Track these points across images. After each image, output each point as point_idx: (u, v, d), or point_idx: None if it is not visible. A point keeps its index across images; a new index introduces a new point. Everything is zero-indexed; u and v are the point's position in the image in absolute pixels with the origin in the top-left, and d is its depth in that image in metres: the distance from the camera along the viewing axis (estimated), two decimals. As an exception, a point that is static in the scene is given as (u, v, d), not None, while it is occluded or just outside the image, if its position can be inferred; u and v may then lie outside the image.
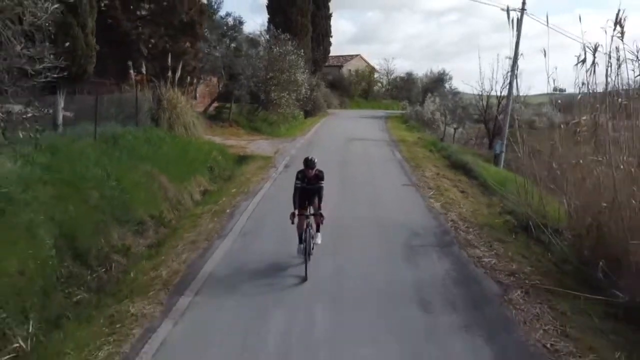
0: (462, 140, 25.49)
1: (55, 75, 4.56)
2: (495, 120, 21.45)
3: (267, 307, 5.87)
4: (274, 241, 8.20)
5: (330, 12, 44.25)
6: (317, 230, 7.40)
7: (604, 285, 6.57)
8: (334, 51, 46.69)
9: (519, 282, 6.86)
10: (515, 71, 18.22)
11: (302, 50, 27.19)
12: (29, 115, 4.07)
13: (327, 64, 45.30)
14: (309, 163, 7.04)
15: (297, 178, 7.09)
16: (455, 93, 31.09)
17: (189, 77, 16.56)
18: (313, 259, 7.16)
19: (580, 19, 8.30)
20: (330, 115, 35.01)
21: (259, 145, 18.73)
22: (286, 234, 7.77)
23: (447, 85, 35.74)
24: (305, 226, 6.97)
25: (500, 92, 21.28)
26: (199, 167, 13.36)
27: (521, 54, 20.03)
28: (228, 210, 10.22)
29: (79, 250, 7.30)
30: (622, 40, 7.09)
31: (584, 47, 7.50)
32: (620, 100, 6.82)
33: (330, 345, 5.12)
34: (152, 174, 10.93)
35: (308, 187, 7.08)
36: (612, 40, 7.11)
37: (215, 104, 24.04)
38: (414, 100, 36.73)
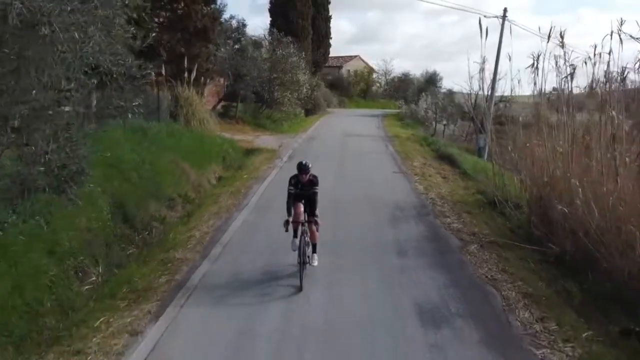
0: (454, 136, 27.28)
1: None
2: (482, 117, 23.24)
3: (279, 253, 7.68)
4: (282, 213, 10.01)
5: (330, 14, 46.02)
6: (314, 250, 7.04)
7: (543, 241, 8.41)
8: (334, 52, 48.49)
9: (477, 239, 8.72)
10: (498, 74, 20.00)
11: (303, 53, 28.99)
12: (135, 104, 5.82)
13: (326, 64, 47.08)
14: (302, 167, 6.70)
15: (290, 183, 6.78)
16: (452, 92, 32.86)
17: (202, 78, 18.38)
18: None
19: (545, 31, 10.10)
20: (329, 114, 36.82)
21: (265, 140, 20.54)
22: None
23: (441, 85, 37.48)
24: (301, 233, 6.71)
25: (487, 92, 23.05)
26: (213, 157, 15.20)
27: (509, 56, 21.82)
28: (242, 191, 12.06)
29: (127, 217, 9.15)
30: (563, 48, 8.92)
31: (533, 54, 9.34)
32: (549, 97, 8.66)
33: (331, 274, 6.96)
34: (176, 161, 12.77)
35: (301, 193, 6.81)
36: (563, 47, 8.88)
37: (222, 103, 25.84)
38: (410, 99, 38.49)
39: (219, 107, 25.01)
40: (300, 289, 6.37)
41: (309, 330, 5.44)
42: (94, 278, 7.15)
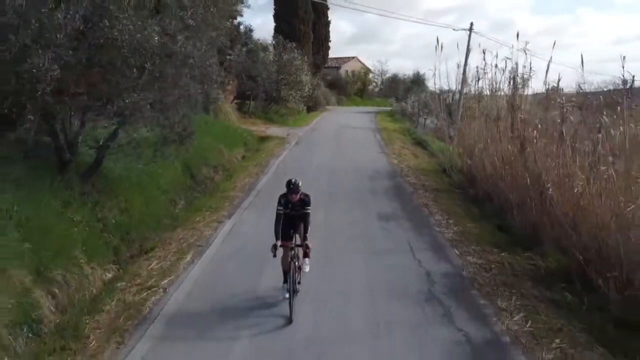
0: (435, 128, 31.59)
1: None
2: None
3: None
4: (294, 175, 14.44)
5: (329, 20, 50.39)
6: (306, 255, 6.43)
7: (467, 189, 12.83)
8: (333, 53, 52.75)
9: (424, 187, 13.16)
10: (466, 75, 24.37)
11: (306, 57, 33.41)
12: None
13: (326, 65, 51.43)
14: (292, 187, 6.09)
15: (279, 203, 6.16)
16: (443, 92, 37.02)
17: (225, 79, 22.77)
18: (315, 173, 13.42)
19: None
20: (329, 111, 41.21)
21: (274, 131, 24.93)
22: (302, 172, 14.00)
23: (426, 85, 41.69)
24: (290, 259, 6.03)
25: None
26: (237, 141, 19.62)
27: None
28: (263, 164, 16.48)
29: (191, 175, 13.57)
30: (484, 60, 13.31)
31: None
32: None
33: (329, 202, 11.36)
34: (213, 143, 17.16)
35: (292, 214, 6.20)
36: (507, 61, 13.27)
37: (236, 100, 30.23)
38: (401, 97, 42.90)
39: (233, 103, 29.41)
40: (290, 320, 5.77)
41: (316, 226, 9.86)
42: (181, 205, 11.60)
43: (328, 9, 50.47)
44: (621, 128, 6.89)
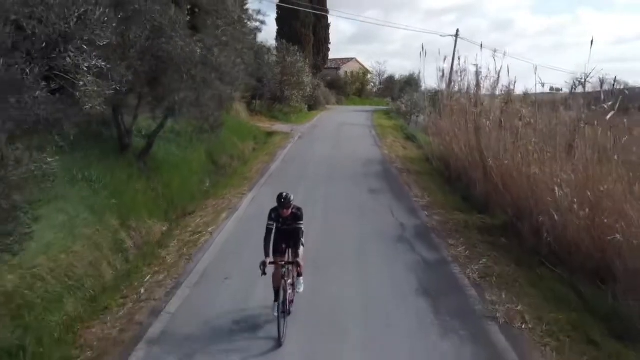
0: (425, 125, 34.19)
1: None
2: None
3: (302, 177, 14.66)
4: (298, 164, 17.07)
5: (329, 23, 53.03)
6: (299, 275, 6.18)
7: (444, 172, 15.45)
8: (333, 54, 55.40)
9: (409, 171, 15.79)
10: (455, 76, 26.99)
11: (307, 59, 36.01)
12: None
13: (326, 66, 54.04)
14: (283, 201, 5.71)
15: (269, 217, 5.81)
16: (437, 92, 39.50)
17: (236, 81, 25.36)
18: (317, 161, 16.08)
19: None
20: (328, 110, 43.79)
21: (279, 127, 27.53)
22: (306, 160, 16.64)
23: (419, 85, 44.18)
24: (281, 277, 5.68)
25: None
26: (248, 136, 22.23)
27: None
28: (273, 153, 19.09)
29: (213, 161, 16.19)
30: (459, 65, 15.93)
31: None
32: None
33: (328, 182, 13.96)
34: (229, 136, 19.77)
35: (284, 229, 5.89)
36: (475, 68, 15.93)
37: (244, 100, 32.79)
38: (396, 97, 45.51)
39: (242, 102, 31.99)
40: (279, 343, 5.42)
41: (319, 197, 12.49)
42: (208, 184, 14.22)
43: (328, 12, 53.33)
44: (541, 119, 9.53)
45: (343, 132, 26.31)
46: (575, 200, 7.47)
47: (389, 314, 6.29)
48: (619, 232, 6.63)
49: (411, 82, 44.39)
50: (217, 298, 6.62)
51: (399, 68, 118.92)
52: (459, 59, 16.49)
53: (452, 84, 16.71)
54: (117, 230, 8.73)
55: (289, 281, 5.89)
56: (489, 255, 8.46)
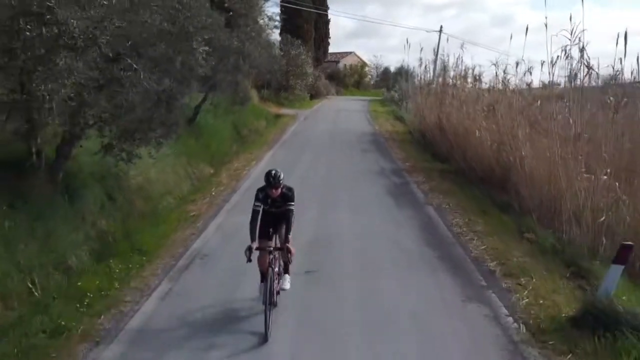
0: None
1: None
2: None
3: (301, 151, 18.67)
4: (304, 135, 21.08)
5: (329, 18, 56.90)
6: (286, 271, 5.58)
7: (424, 143, 19.50)
8: (333, 47, 59.30)
9: (394, 140, 19.84)
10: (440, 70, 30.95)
11: (310, 53, 39.96)
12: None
13: (326, 59, 57.95)
14: (272, 180, 5.15)
15: (256, 198, 5.27)
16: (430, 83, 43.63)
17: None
18: (320, 134, 20.16)
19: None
20: (328, 99, 47.72)
21: (286, 111, 31.52)
22: (311, 134, 20.70)
23: (414, 75, 48.18)
24: (268, 264, 5.14)
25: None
26: (261, 116, 26.24)
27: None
28: (283, 129, 23.12)
29: (237, 132, 20.22)
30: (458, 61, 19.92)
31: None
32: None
33: (329, 150, 17.99)
34: (246, 115, 23.81)
35: (272, 211, 5.34)
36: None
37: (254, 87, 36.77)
38: (391, 87, 49.49)
39: (253, 89, 35.95)
40: (265, 338, 4.86)
41: (322, 155, 16.53)
42: (235, 147, 18.26)
43: (328, 8, 57.25)
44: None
45: (342, 115, 30.33)
46: (489, 140, 11.52)
47: (369, 203, 10.38)
48: (514, 160, 10.62)
49: (401, 73, 48.29)
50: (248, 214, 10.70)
51: (398, 62, 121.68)
52: (435, 53, 20.39)
53: (428, 72, 20.71)
54: (185, 166, 12.78)
55: (276, 269, 5.28)
56: (437, 181, 12.51)
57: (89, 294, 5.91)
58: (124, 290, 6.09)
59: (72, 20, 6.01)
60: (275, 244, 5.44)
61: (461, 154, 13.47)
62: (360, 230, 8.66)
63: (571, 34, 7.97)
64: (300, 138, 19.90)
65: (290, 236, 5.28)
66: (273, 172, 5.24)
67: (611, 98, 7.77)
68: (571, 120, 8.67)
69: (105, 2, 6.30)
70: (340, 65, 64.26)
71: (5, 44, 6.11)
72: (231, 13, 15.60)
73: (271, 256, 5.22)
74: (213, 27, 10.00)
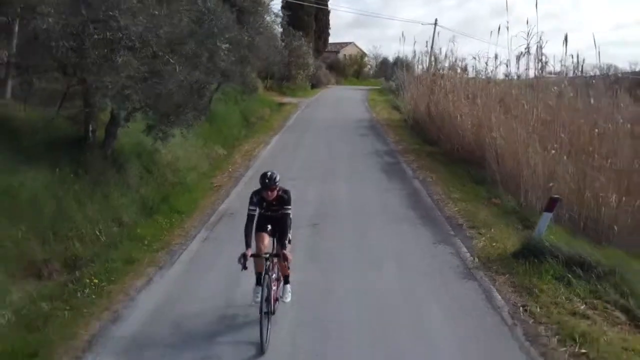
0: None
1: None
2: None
3: (305, 135, 20.40)
4: (307, 121, 22.79)
5: (329, 10, 58.27)
6: (286, 281, 5.31)
7: (415, 127, 21.24)
8: (333, 38, 60.75)
9: (389, 126, 21.56)
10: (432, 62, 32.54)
11: (310, 44, 41.50)
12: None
13: (326, 50, 59.41)
14: (267, 181, 4.85)
15: (251, 202, 4.98)
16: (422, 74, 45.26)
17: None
18: (321, 120, 21.96)
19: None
20: (329, 88, 49.33)
21: (288, 99, 33.16)
22: (312, 120, 22.44)
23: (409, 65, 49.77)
24: (264, 271, 4.84)
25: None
26: (265, 104, 27.91)
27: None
28: (286, 116, 24.81)
29: (245, 118, 21.95)
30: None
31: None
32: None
33: (329, 130, 19.73)
34: (252, 103, 25.50)
35: (268, 215, 5.10)
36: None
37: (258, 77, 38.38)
38: (389, 77, 51.06)
39: (257, 79, 37.58)
40: (261, 350, 4.58)
41: (323, 137, 18.27)
42: (244, 133, 19.99)
43: (328, 0, 58.64)
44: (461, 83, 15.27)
45: (341, 103, 32.02)
46: (470, 124, 13.26)
47: (363, 177, 12.13)
48: (488, 141, 12.35)
49: (397, 63, 49.90)
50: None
51: (397, 52, 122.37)
52: (427, 45, 22.00)
53: (420, 64, 22.35)
54: (203, 147, 14.52)
55: (274, 275, 5.00)
56: (425, 160, 14.27)
57: (146, 238, 7.69)
58: (172, 237, 7.88)
59: (131, 27, 7.74)
60: (272, 250, 5.12)
61: (447, 138, 15.20)
62: (356, 196, 10.44)
63: (527, 35, 9.61)
64: (303, 124, 21.60)
65: (287, 242, 4.95)
66: (268, 173, 4.90)
67: (555, 88, 9.47)
68: (527, 106, 10.39)
69: (155, 12, 7.99)
70: (340, 55, 65.66)
71: (77, 45, 7.83)
72: (240, 10, 17.21)
73: (268, 263, 4.85)
74: (231, 27, 11.57)
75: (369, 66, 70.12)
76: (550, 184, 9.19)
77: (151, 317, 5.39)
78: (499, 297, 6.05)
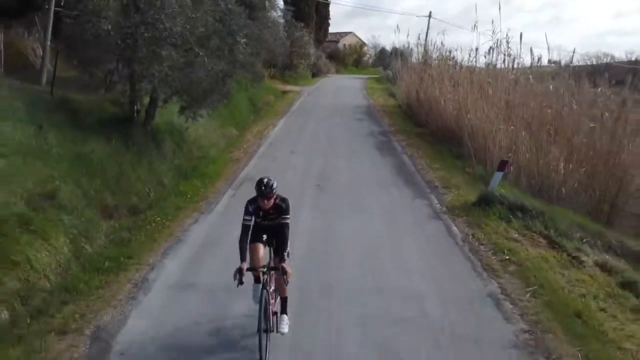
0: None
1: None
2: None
3: (308, 119, 22.49)
4: (309, 107, 24.86)
5: (329, 1, 59.98)
6: (283, 310, 4.90)
7: (408, 111, 23.32)
8: (333, 27, 62.51)
9: (384, 111, 23.63)
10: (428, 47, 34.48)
11: (311, 34, 43.39)
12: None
13: (326, 39, 61.21)
14: (264, 189, 4.51)
15: (246, 211, 4.67)
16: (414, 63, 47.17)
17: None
18: (322, 106, 24.08)
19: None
20: (329, 77, 51.25)
21: (291, 87, 35.17)
22: (314, 105, 24.53)
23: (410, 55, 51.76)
24: (262, 286, 4.51)
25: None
26: (270, 92, 29.95)
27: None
28: (290, 102, 26.84)
29: (252, 104, 24.01)
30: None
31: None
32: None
33: (330, 116, 21.83)
34: (258, 90, 27.53)
35: (264, 224, 4.75)
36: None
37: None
38: (387, 66, 52.97)
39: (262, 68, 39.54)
40: None
41: (324, 121, 20.37)
42: (252, 117, 22.08)
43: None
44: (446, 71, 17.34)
45: (341, 91, 34.02)
46: (451, 106, 15.34)
47: (359, 153, 14.25)
48: (467, 121, 14.43)
49: (395, 52, 51.85)
50: (277, 152, 14.54)
51: (396, 41, 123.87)
52: (418, 36, 23.93)
53: (413, 54, 24.36)
54: (219, 128, 16.62)
55: (272, 289, 4.72)
56: (413, 140, 16.38)
57: (188, 194, 9.84)
58: (207, 193, 10.04)
59: (172, 27, 9.80)
60: (270, 263, 4.77)
61: (433, 120, 17.29)
62: (353, 167, 12.56)
63: (492, 32, 11.68)
64: (306, 109, 23.65)
65: (285, 255, 4.59)
66: (265, 180, 4.54)
67: (513, 75, 11.56)
68: (491, 91, 12.49)
69: (193, 16, 10.05)
70: (340, 45, 67.42)
71: (132, 42, 9.89)
72: (251, 7, 19.20)
73: (265, 276, 4.54)
74: (247, 24, 13.59)
75: (368, 55, 71.86)
76: (509, 154, 11.29)
77: (202, 240, 7.55)
78: (456, 229, 8.20)
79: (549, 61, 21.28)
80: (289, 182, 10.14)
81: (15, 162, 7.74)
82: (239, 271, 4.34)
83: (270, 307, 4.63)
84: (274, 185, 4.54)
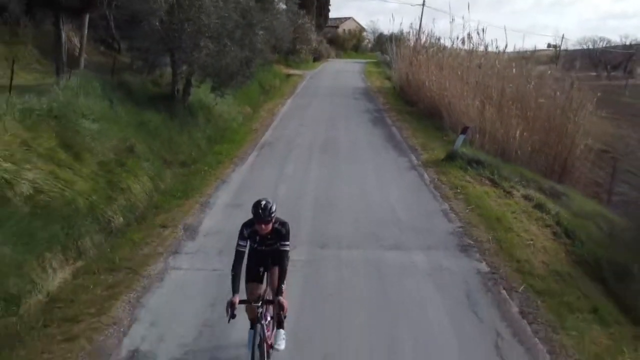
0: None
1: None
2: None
3: (312, 98, 25.23)
4: (312, 88, 27.58)
5: (329, -11, 62.15)
6: (279, 325, 4.58)
7: (401, 93, 26.06)
8: (332, 11, 64.88)
9: (380, 92, 26.38)
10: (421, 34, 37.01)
11: (312, 21, 45.84)
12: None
13: (327, 25, 63.53)
14: (261, 212, 4.05)
15: (240, 236, 4.23)
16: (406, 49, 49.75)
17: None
18: (324, 87, 26.81)
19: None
20: (329, 61, 53.76)
21: (294, 71, 37.77)
22: (317, 87, 27.28)
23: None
24: (257, 319, 4.14)
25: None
26: (276, 75, 32.63)
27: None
28: (294, 85, 29.55)
29: (261, 86, 26.76)
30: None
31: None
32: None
33: (330, 96, 24.58)
34: (265, 74, 30.20)
35: (261, 250, 4.35)
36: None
37: (265, 52, 42.92)
38: (385, 51, 55.44)
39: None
40: None
41: (324, 100, 23.15)
42: (262, 98, 24.83)
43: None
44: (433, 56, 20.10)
45: (341, 75, 36.70)
46: (434, 85, 18.13)
47: (357, 125, 17.07)
48: (448, 99, 17.19)
49: (391, 38, 54.32)
50: (288, 124, 17.35)
51: (396, 25, 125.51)
52: (412, 24, 26.43)
53: (407, 40, 27.00)
54: (236, 106, 19.40)
55: (266, 322, 4.24)
56: (403, 116, 19.18)
57: (222, 153, 12.71)
58: (237, 153, 12.93)
59: (209, 23, 12.56)
60: (266, 293, 4.38)
61: (420, 99, 20.08)
62: (350, 136, 15.40)
63: (464, 27, 14.39)
64: (310, 91, 26.39)
65: (284, 286, 4.20)
66: (263, 202, 4.07)
67: (478, 60, 14.34)
68: (466, 74, 15.28)
69: (225, 15, 12.80)
70: (340, 30, 69.73)
71: (176, 35, 12.65)
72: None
73: (260, 310, 4.13)
74: (264, 19, 16.29)
75: (367, 40, 74.18)
76: (475, 124, 14.11)
77: (240, 181, 10.44)
78: (427, 176, 11.09)
79: (548, 45, 23.42)
80: (299, 143, 13.04)
81: (102, 125, 10.58)
82: (230, 305, 3.95)
83: (267, 340, 4.23)
84: (273, 209, 4.06)
